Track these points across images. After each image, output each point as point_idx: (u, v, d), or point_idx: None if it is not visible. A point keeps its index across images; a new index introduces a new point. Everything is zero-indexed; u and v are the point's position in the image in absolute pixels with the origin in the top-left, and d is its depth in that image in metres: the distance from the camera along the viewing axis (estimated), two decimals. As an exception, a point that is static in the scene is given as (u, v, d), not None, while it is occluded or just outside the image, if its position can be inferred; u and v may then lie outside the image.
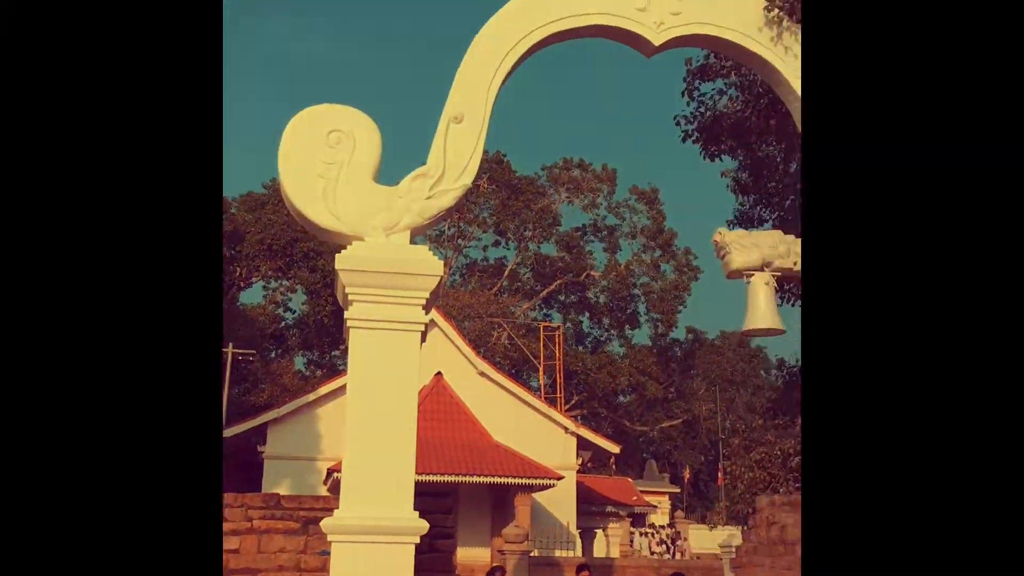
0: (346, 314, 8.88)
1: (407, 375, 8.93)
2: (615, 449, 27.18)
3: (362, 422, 8.73)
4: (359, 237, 9.02)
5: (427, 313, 9.04)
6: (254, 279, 40.30)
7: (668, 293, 45.73)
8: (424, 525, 8.44)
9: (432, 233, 47.49)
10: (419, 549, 9.95)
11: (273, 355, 38.15)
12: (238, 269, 38.81)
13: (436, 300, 9.87)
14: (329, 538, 8.30)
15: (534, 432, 25.00)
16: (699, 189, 78.06)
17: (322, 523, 8.33)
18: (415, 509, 9.51)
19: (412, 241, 9.20)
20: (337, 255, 8.93)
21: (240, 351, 23.02)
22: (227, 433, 24.08)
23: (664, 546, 30.14)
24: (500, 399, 25.25)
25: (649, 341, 48.76)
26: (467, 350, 25.68)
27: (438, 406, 23.95)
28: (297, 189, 9.10)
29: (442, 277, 9.12)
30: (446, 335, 25.56)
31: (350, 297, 8.89)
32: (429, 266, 9.05)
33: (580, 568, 7.34)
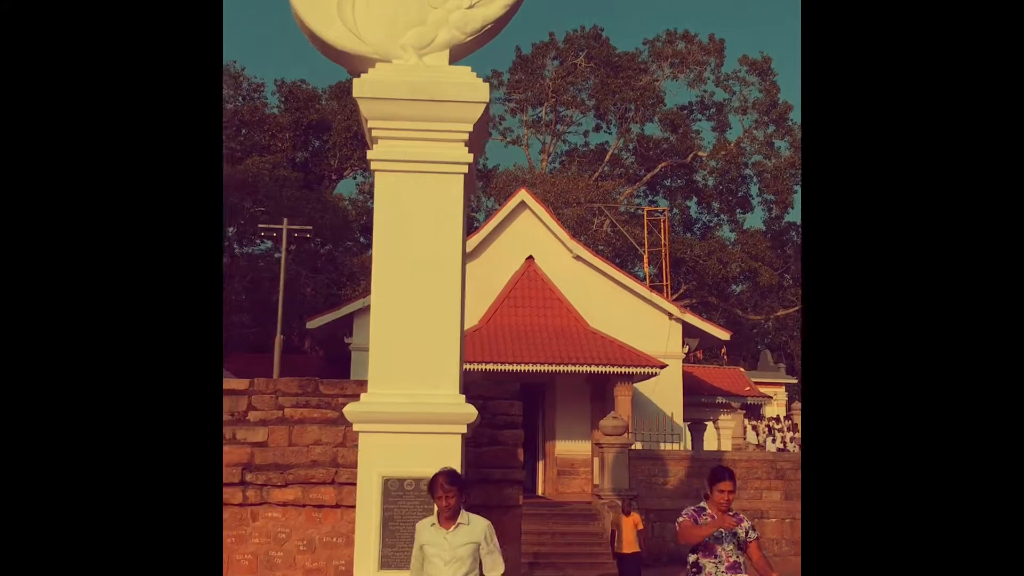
0: (369, 154, 7.16)
1: (449, 229, 7.21)
2: (725, 336, 25.12)
3: (393, 286, 7.10)
4: (386, 59, 7.21)
5: (472, 153, 7.25)
6: (347, 172, 39.21)
7: (783, 172, 42.23)
8: (471, 411, 6.86)
9: (528, 118, 45.25)
10: (478, 441, 8.41)
11: (362, 244, 37.17)
12: (331, 160, 37.75)
13: (484, 137, 8.01)
14: (355, 427, 6.82)
15: (635, 319, 23.21)
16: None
17: (345, 409, 6.84)
18: (468, 395, 7.94)
19: (452, 63, 7.35)
20: (355, 80, 7.15)
21: (295, 227, 21.80)
22: (314, 324, 23.24)
23: (772, 438, 28.20)
24: (597, 284, 23.46)
25: (762, 225, 45.67)
26: (561, 232, 23.84)
27: (529, 292, 22.38)
28: (308, 4, 7.33)
29: (488, 105, 7.28)
30: (537, 216, 23.74)
31: (374, 133, 7.12)
32: (471, 91, 7.17)
33: (717, 473, 5.64)
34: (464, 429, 6.58)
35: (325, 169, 37.81)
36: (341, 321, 23.02)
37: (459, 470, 6.58)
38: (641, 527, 13.69)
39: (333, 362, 25.37)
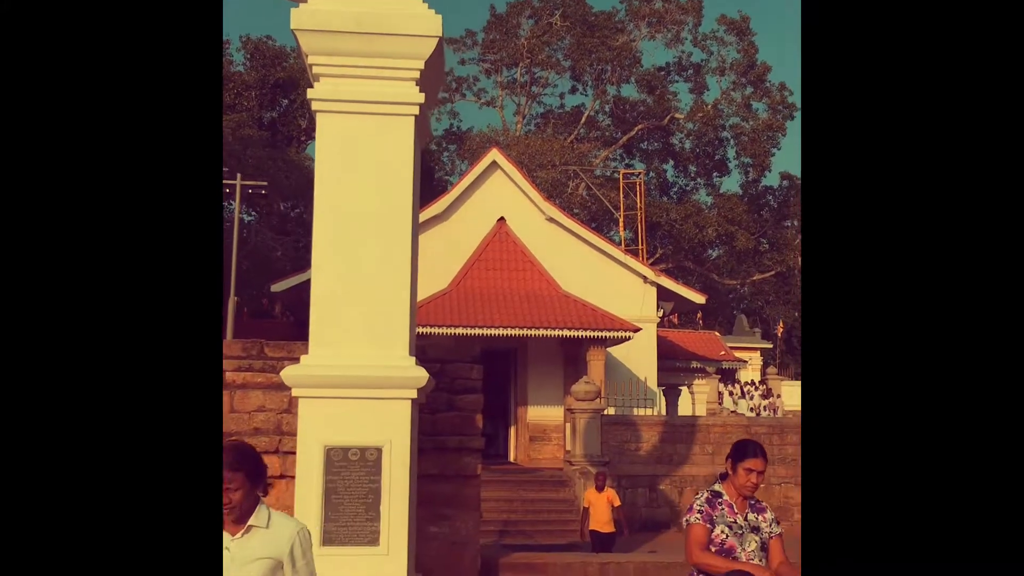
0: (310, 93, 6.52)
1: (398, 176, 6.62)
2: (700, 299, 24.72)
3: (336, 238, 6.51)
4: (329, -12, 6.56)
5: (423, 93, 6.64)
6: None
7: (760, 134, 41.67)
8: (422, 375, 6.31)
9: (503, 79, 44.39)
10: (434, 407, 7.90)
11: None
12: (300, 120, 36.74)
13: (439, 76, 7.37)
14: (294, 392, 6.27)
15: (609, 283, 22.75)
16: (794, 15, 69.46)
17: (283, 373, 6.27)
18: (424, 358, 7.40)
19: (403, -5, 6.70)
20: (293, 10, 6.50)
21: (249, 183, 20.91)
22: (279, 287, 22.57)
23: (747, 397, 28.01)
24: (570, 247, 22.94)
25: (739, 188, 45.24)
26: (533, 193, 23.23)
27: (500, 254, 21.82)
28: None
29: (441, 40, 6.66)
30: (509, 177, 23.11)
31: (315, 70, 6.45)
32: (423, 23, 6.52)
33: (743, 448, 4.29)
34: (414, 394, 6.05)
35: (294, 130, 36.84)
36: (308, 284, 22.34)
37: (410, 438, 6.07)
38: (618, 503, 12.40)
39: (303, 326, 24.70)
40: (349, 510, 5.90)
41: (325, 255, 6.16)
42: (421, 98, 6.31)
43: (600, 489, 12.42)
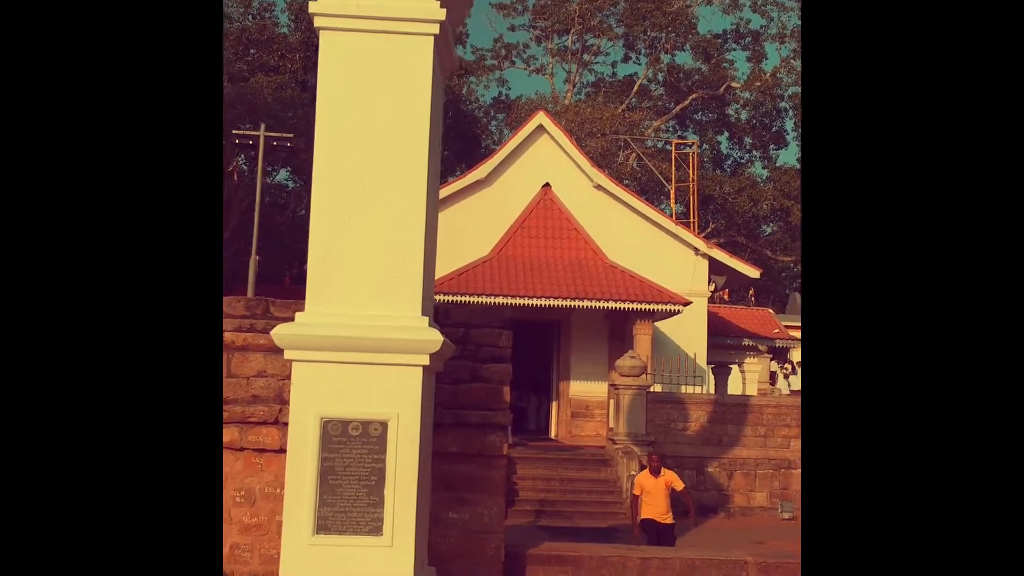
0: (312, 7, 5.62)
1: (414, 105, 5.69)
2: (754, 273, 23.50)
3: (340, 178, 5.62)
4: None
5: (445, 9, 5.72)
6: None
7: (821, 105, 39.86)
8: (435, 337, 5.41)
9: (553, 46, 43.10)
10: (456, 377, 7.02)
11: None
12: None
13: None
14: (286, 355, 5.42)
15: (658, 254, 21.67)
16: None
17: (273, 332, 5.44)
18: (448, 321, 6.52)
19: None
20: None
21: (274, 135, 20.05)
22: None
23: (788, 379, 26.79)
24: (618, 216, 21.87)
25: (796, 162, 43.51)
26: (581, 159, 22.16)
27: (545, 222, 20.83)
28: None
29: (467, -54, 5.72)
30: (556, 141, 22.06)
31: (319, -22, 5.62)
32: (445, -75, 5.62)
33: None
34: (426, 359, 5.17)
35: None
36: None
37: (421, 411, 5.20)
38: (681, 485, 10.77)
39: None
40: (348, 493, 5.07)
41: (326, 197, 5.29)
42: (442, 14, 5.38)
43: (656, 473, 10.70)
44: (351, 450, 5.09)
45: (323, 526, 5.02)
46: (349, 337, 5.08)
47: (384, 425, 5.11)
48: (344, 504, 5.05)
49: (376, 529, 5.05)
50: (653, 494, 10.65)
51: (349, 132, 5.32)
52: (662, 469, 10.84)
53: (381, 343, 5.10)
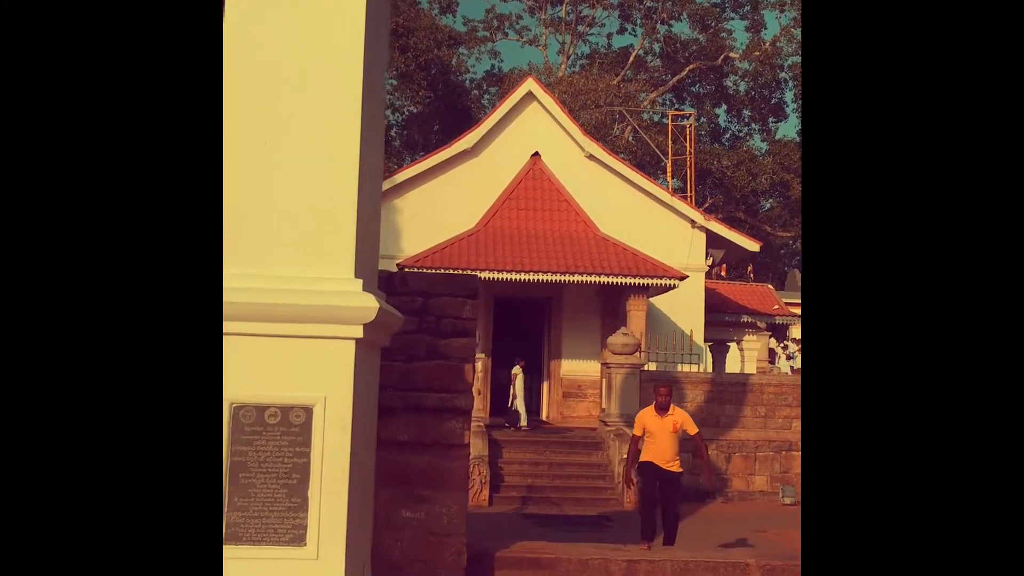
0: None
1: (346, 24, 4.77)
2: (753, 246, 22.56)
3: (252, 113, 4.67)
4: None
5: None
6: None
7: (822, 76, 38.79)
8: (370, 304, 4.40)
9: (547, 17, 41.92)
10: (411, 353, 6.11)
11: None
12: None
13: None
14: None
15: (653, 227, 20.72)
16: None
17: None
18: (406, 290, 5.61)
19: None
20: None
21: None
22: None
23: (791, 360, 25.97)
24: (611, 187, 20.91)
25: (796, 135, 42.45)
26: (572, 127, 21.17)
27: (534, 192, 19.85)
28: None
29: None
30: (546, 109, 21.05)
31: None
32: None
33: None
34: (359, 331, 4.24)
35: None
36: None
37: (353, 393, 4.28)
38: (694, 430, 8.59)
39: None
40: (264, 494, 4.16)
41: (237, 136, 4.33)
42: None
43: (663, 411, 8.43)
44: (267, 442, 4.18)
45: (233, 535, 4.11)
46: (263, 304, 4.15)
47: (308, 411, 4.20)
48: (259, 508, 4.14)
49: (298, 538, 4.14)
50: (657, 436, 8.48)
51: (264, 53, 4.37)
52: (671, 406, 8.61)
53: (302, 311, 4.17)
